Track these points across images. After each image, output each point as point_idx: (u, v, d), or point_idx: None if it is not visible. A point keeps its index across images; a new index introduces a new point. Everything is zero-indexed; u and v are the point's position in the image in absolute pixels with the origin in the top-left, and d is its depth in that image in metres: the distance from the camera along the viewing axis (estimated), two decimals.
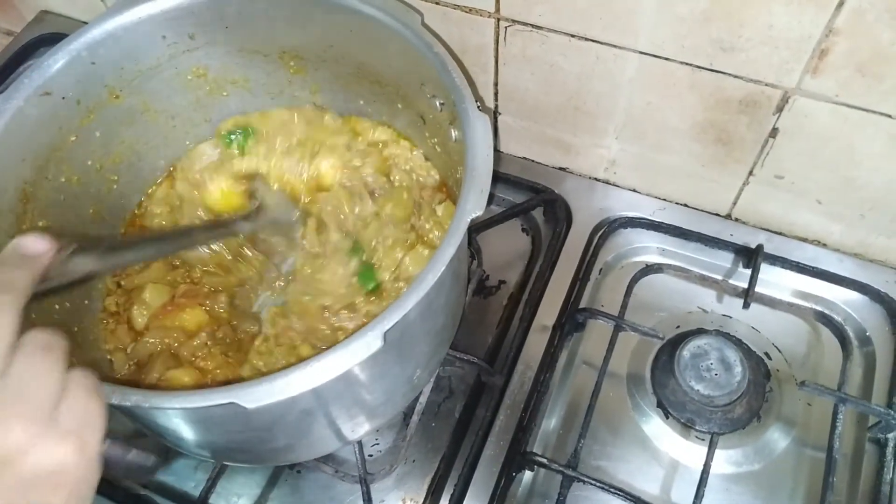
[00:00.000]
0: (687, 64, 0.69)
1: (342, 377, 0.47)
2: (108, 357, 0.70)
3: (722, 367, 0.73)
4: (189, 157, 0.81)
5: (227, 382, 0.67)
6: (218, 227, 0.75)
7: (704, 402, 0.72)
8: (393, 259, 0.71)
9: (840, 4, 0.58)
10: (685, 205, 0.87)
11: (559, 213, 0.86)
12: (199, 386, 0.67)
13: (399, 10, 0.64)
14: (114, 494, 0.73)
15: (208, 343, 0.69)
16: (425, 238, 0.73)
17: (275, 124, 0.80)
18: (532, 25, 0.72)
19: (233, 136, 0.80)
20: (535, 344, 0.77)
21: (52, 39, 1.04)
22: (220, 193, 0.78)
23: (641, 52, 0.70)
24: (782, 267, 0.81)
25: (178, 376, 0.66)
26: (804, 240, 0.83)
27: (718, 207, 0.86)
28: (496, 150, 0.92)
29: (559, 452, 0.73)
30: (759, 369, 0.76)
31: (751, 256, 0.80)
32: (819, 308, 0.81)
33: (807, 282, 0.81)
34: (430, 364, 0.69)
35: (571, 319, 0.78)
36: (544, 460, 0.69)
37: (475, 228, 0.86)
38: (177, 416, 0.55)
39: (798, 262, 0.80)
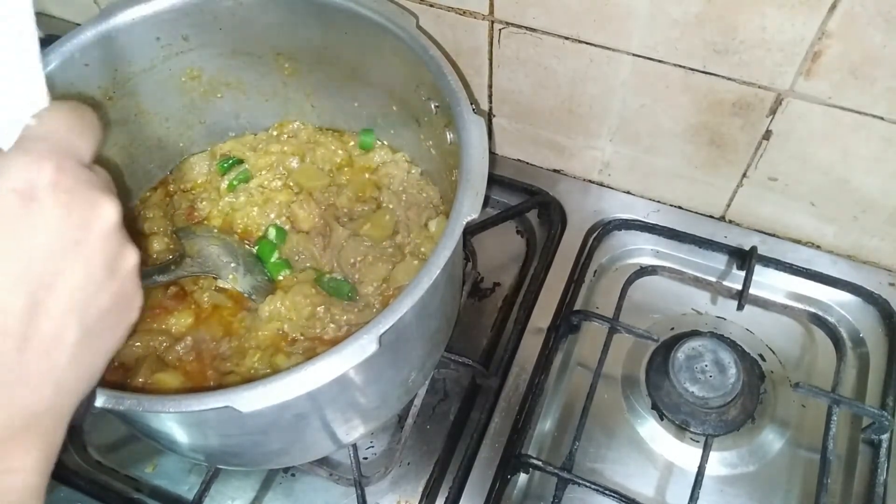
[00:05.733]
0: (680, 66, 0.69)
1: (337, 381, 0.47)
2: None
3: (716, 368, 0.73)
4: (181, 169, 0.81)
5: (214, 386, 0.67)
6: None
7: (699, 404, 0.72)
8: (376, 273, 0.71)
9: (832, 7, 0.58)
10: (679, 207, 0.87)
11: (554, 215, 0.86)
12: (186, 389, 0.66)
13: (394, 12, 0.64)
14: (106, 498, 0.72)
15: (194, 347, 0.69)
16: (415, 253, 0.73)
17: (268, 160, 0.79)
18: (526, 28, 0.73)
19: (227, 165, 0.80)
20: (530, 346, 0.77)
21: (45, 41, 1.00)
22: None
23: (635, 55, 0.70)
24: (776, 269, 0.81)
25: (164, 379, 0.66)
26: (798, 242, 0.84)
27: (712, 209, 0.86)
28: (490, 153, 0.91)
29: (554, 455, 0.73)
30: (754, 371, 0.76)
31: (745, 258, 0.81)
32: (813, 310, 0.81)
33: (801, 283, 0.81)
34: (425, 367, 0.69)
35: (566, 321, 0.78)
36: (539, 463, 0.69)
37: (470, 231, 0.86)
38: (171, 419, 0.55)
39: (792, 264, 0.81)
